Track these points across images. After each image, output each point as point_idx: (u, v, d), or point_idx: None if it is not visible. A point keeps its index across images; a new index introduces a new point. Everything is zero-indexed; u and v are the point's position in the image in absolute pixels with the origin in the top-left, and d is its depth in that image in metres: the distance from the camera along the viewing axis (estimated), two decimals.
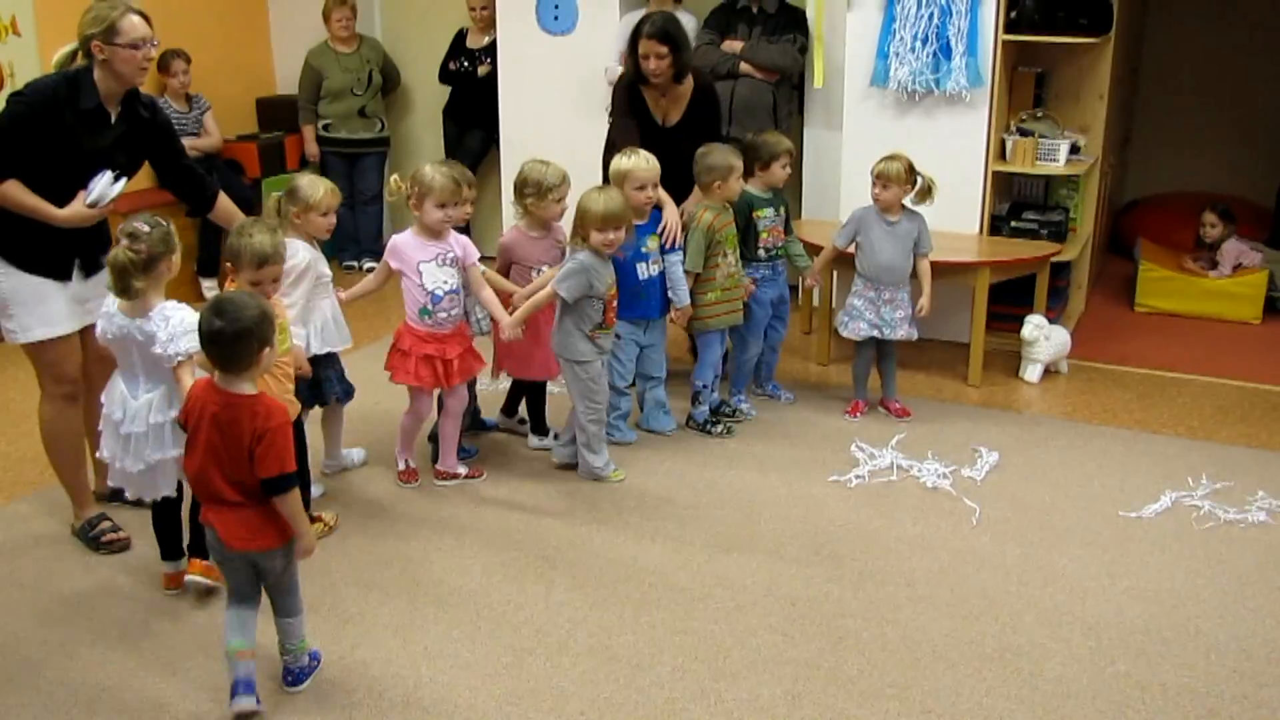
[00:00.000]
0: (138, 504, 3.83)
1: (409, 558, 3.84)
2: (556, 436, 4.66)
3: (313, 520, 3.78)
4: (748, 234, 4.90)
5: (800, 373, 5.45)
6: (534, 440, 4.75)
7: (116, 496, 3.95)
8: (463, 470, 4.42)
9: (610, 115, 5.07)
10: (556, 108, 6.85)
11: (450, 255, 4.19)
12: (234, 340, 2.83)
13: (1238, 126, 8.24)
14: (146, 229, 3.26)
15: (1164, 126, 8.40)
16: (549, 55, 6.84)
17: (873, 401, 5.13)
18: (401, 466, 4.43)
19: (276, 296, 3.51)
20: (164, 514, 3.62)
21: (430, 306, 4.16)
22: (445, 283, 4.17)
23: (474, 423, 4.81)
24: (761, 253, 4.95)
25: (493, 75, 7.06)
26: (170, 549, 3.64)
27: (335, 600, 3.59)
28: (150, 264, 3.25)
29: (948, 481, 4.40)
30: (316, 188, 3.92)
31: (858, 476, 4.44)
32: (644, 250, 4.58)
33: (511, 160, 6.76)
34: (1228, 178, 8.14)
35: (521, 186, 4.40)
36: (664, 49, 4.69)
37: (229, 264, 3.45)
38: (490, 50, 7.12)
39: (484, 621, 3.48)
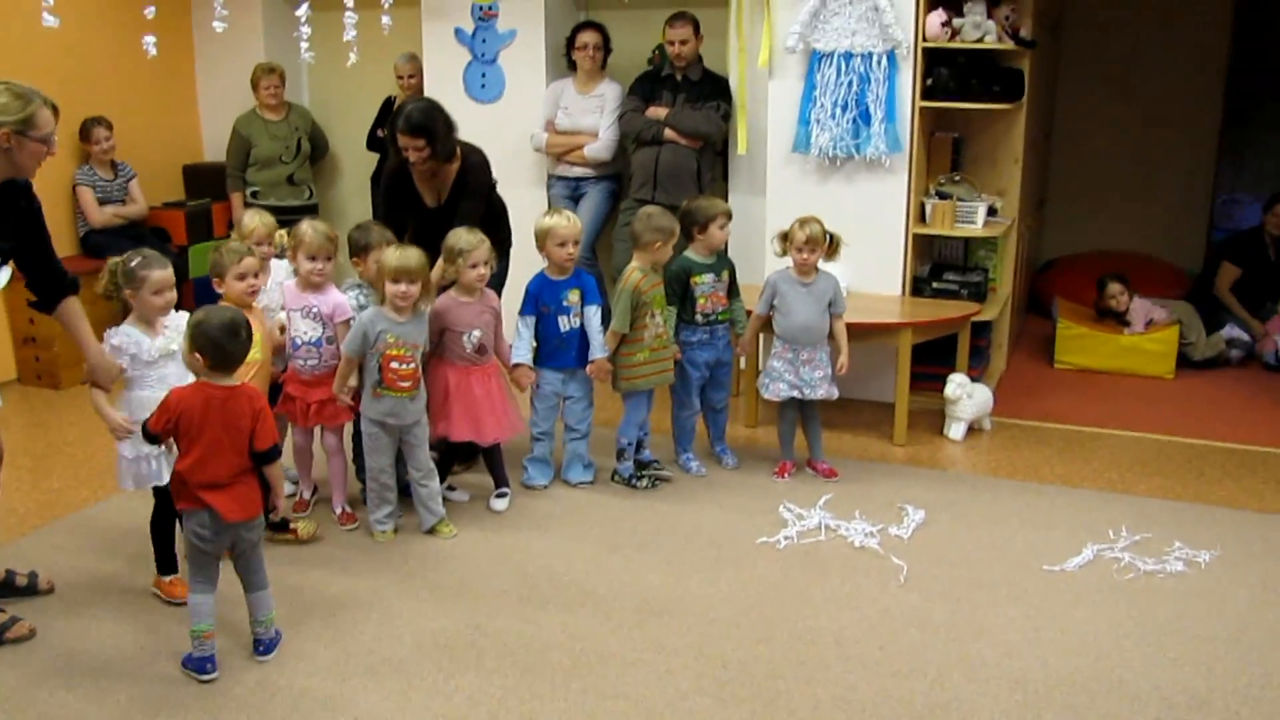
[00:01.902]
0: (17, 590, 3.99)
1: (339, 628, 3.78)
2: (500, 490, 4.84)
3: (288, 530, 4.40)
4: (685, 299, 4.95)
5: (728, 435, 5.46)
6: (496, 504, 4.74)
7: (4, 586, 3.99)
8: (337, 510, 4.61)
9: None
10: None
11: (315, 310, 4.39)
12: (239, 342, 3.42)
13: (1144, 188, 8.48)
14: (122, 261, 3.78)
15: (1077, 189, 8.62)
16: (476, 123, 6.84)
17: (800, 462, 5.16)
18: (337, 510, 4.62)
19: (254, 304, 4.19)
20: (160, 527, 3.97)
21: (291, 351, 4.41)
22: (305, 333, 4.39)
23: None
24: (699, 318, 4.99)
25: None
26: (167, 563, 3.99)
27: (263, 674, 3.53)
28: (115, 293, 3.79)
29: (875, 540, 4.42)
30: (153, 266, 3.77)
31: (786, 537, 4.44)
32: (565, 303, 4.74)
33: None
34: (1136, 236, 8.38)
35: (448, 252, 4.49)
36: (420, 141, 4.67)
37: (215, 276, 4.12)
38: None
39: (415, 692, 3.43)
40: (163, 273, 3.74)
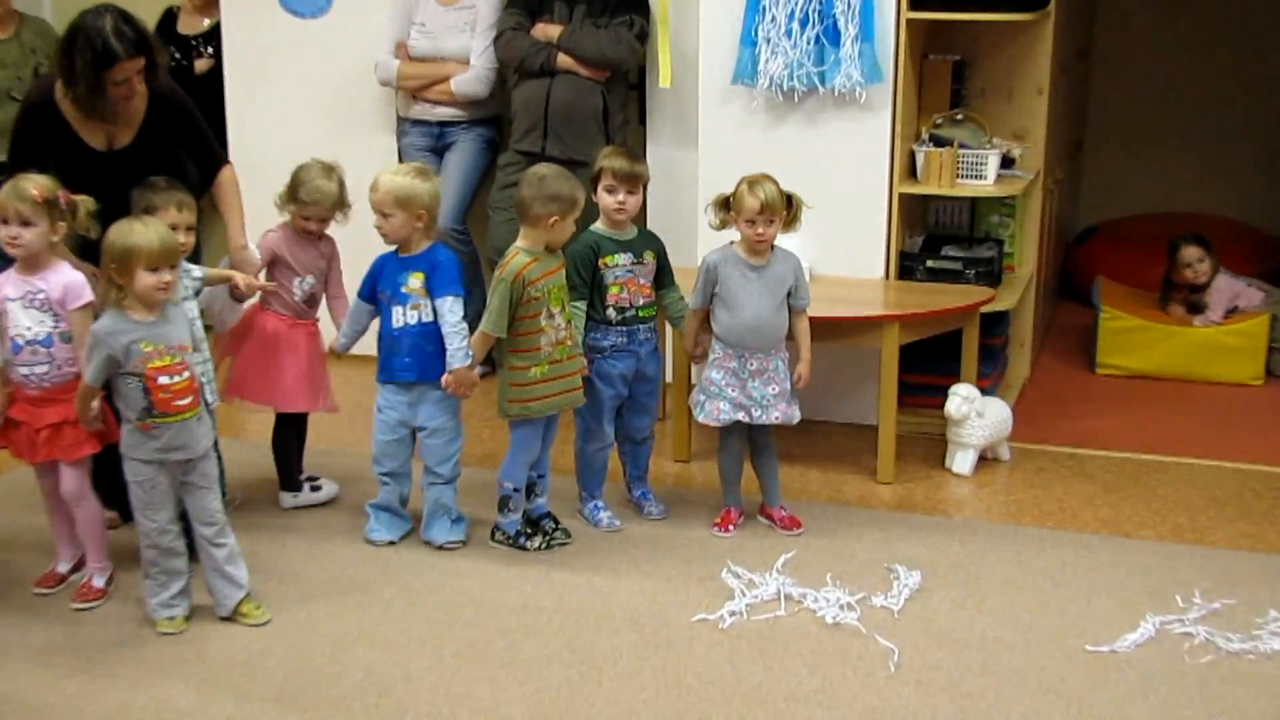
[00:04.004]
0: None
1: None
2: (317, 488, 5.34)
3: None
4: (594, 289, 4.96)
5: (654, 471, 5.45)
6: (286, 499, 5.32)
7: None
8: (99, 583, 4.61)
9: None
10: (306, 115, 6.89)
11: (40, 296, 4.41)
12: None
13: (1218, 126, 8.54)
14: None
15: (1126, 129, 8.68)
16: (295, 45, 6.84)
17: (750, 509, 5.17)
18: (99, 584, 4.61)
19: None
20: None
21: (10, 356, 4.43)
22: (29, 330, 4.41)
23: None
24: (611, 314, 4.99)
25: (216, 72, 7.05)
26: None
27: None
28: None
29: (854, 615, 4.42)
30: None
31: (732, 613, 4.43)
32: (403, 290, 4.81)
33: (246, 178, 6.70)
34: (1208, 193, 8.43)
35: (293, 187, 5.06)
36: (140, 62, 4.67)
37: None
38: (212, 37, 7.12)
39: None
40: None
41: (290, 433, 5.32)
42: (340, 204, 5.10)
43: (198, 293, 4.82)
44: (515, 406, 4.84)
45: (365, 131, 6.81)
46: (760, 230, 4.85)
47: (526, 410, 4.84)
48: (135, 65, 4.68)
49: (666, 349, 5.56)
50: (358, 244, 5.11)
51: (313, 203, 5.04)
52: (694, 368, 5.58)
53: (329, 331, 5.19)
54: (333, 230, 5.18)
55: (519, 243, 4.81)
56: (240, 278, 4.96)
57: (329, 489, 5.37)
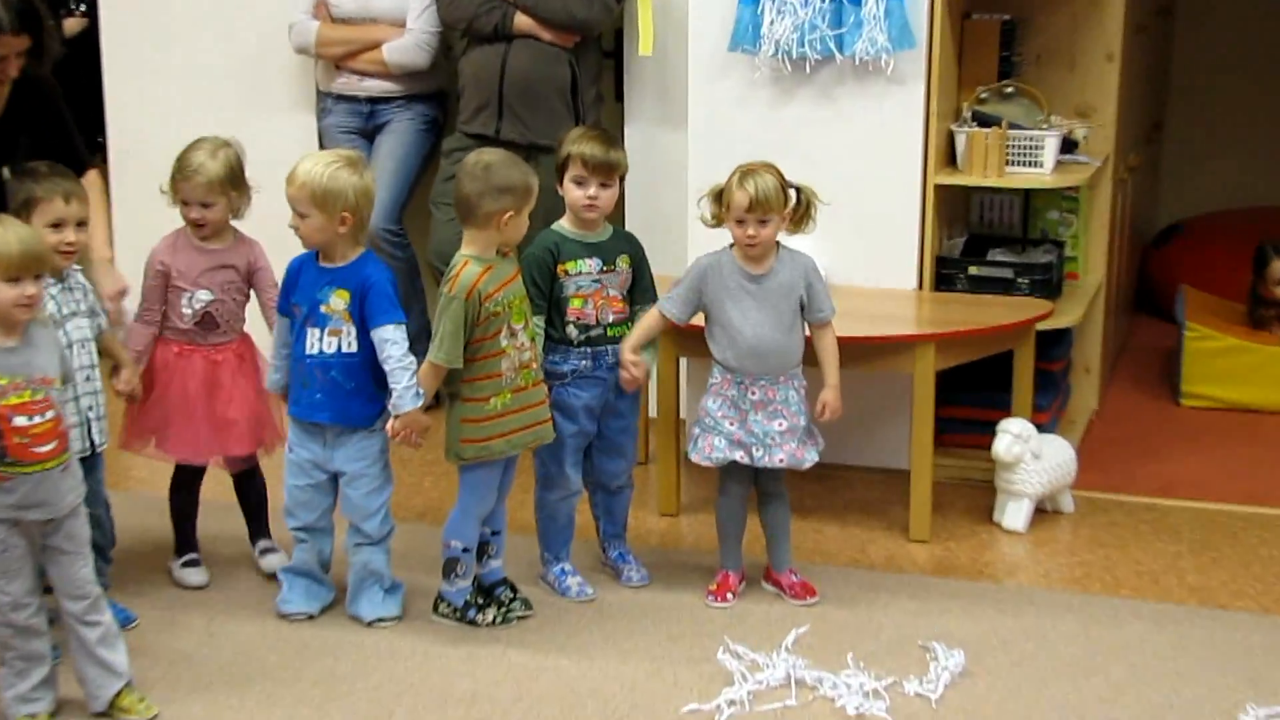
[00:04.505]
0: None
1: None
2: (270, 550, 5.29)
3: None
4: (551, 303, 4.96)
5: (634, 527, 5.48)
6: (269, 560, 5.28)
7: None
8: None
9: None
10: (203, 90, 6.91)
11: None
12: None
13: None
14: None
15: (1218, 106, 8.67)
16: (190, 8, 6.84)
17: (753, 573, 5.17)
18: None
19: None
20: None
21: None
22: None
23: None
24: (573, 333, 4.98)
25: (90, 34, 7.10)
26: None
27: None
28: None
29: (882, 704, 4.38)
30: None
31: (731, 702, 4.40)
32: (322, 309, 4.76)
33: (129, 169, 6.87)
34: None
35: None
36: (24, 41, 4.74)
37: None
38: None
39: None
40: None
41: (184, 489, 5.30)
42: (227, 186, 5.00)
43: (94, 311, 4.79)
44: (472, 447, 4.80)
45: (277, 111, 6.83)
46: (751, 232, 4.82)
47: (486, 451, 4.79)
48: (18, 44, 4.69)
49: (655, 375, 5.52)
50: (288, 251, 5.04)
51: (184, 179, 4.97)
52: (684, 399, 5.61)
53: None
54: (256, 234, 5.15)
55: (465, 249, 4.77)
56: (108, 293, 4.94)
57: (271, 561, 5.30)
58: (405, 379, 4.71)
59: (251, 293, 5.14)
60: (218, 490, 5.36)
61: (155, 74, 6.96)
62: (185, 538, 5.29)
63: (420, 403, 4.74)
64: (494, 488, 4.92)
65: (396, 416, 4.74)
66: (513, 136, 6.11)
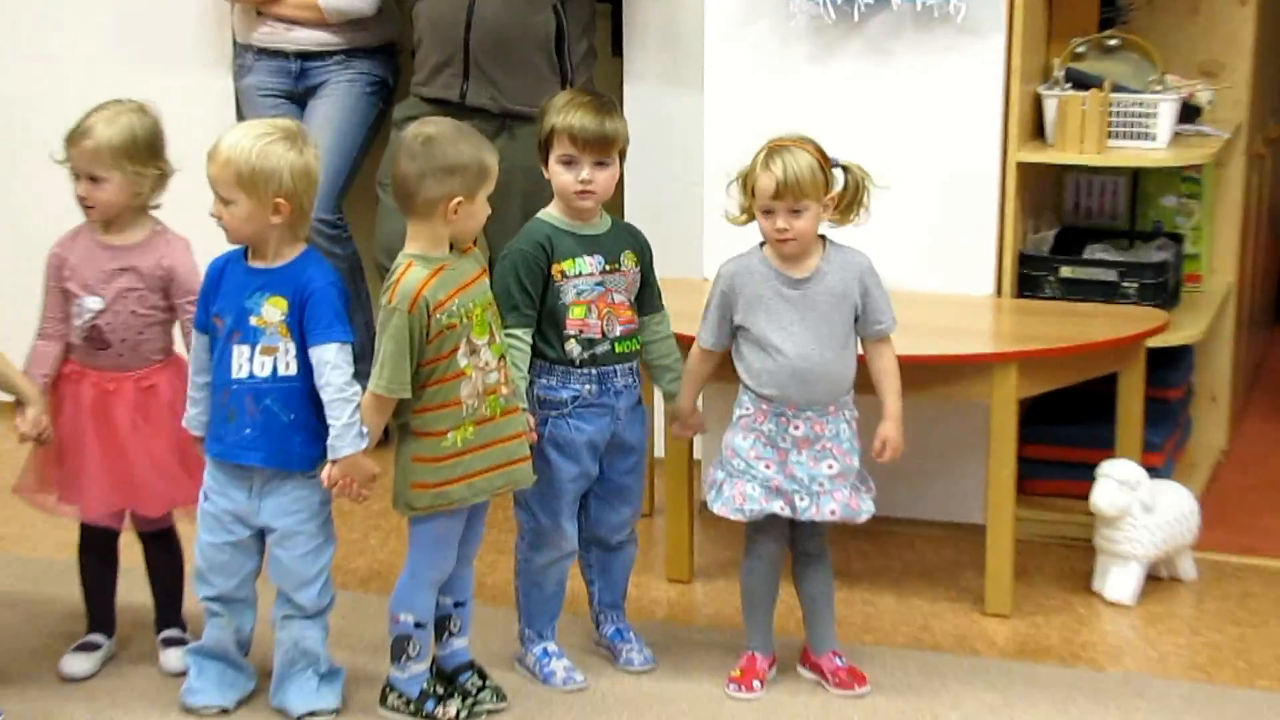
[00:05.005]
0: None
1: None
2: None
3: None
4: (545, 312, 4.91)
5: (636, 597, 5.48)
6: (168, 657, 5.16)
7: None
8: None
9: None
10: (92, 46, 6.92)
11: None
12: None
13: None
14: None
15: None
16: None
17: (787, 655, 5.13)
18: None
19: None
20: None
21: None
22: None
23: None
24: (574, 348, 4.93)
25: None
26: None
27: None
28: None
29: None
30: None
31: None
32: (252, 320, 4.70)
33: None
34: None
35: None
36: None
37: None
38: None
39: None
40: None
41: (92, 552, 5.22)
42: (122, 159, 4.91)
43: None
44: (426, 494, 4.74)
45: (182, 69, 6.83)
46: (781, 225, 4.79)
47: (443, 499, 4.74)
48: None
49: (656, 402, 5.52)
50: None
51: (71, 143, 4.93)
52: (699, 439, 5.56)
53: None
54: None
55: (409, 247, 4.72)
56: None
57: (171, 661, 5.20)
58: (346, 414, 4.65)
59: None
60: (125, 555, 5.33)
61: (33, 26, 6.99)
62: (92, 614, 5.24)
63: (365, 444, 4.68)
64: (453, 545, 4.87)
65: (334, 461, 4.67)
66: (482, 102, 6.10)
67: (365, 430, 4.65)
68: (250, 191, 4.58)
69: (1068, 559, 5.81)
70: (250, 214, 4.61)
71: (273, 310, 4.66)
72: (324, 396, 4.65)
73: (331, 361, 4.63)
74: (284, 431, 4.70)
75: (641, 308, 5.04)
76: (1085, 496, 5.53)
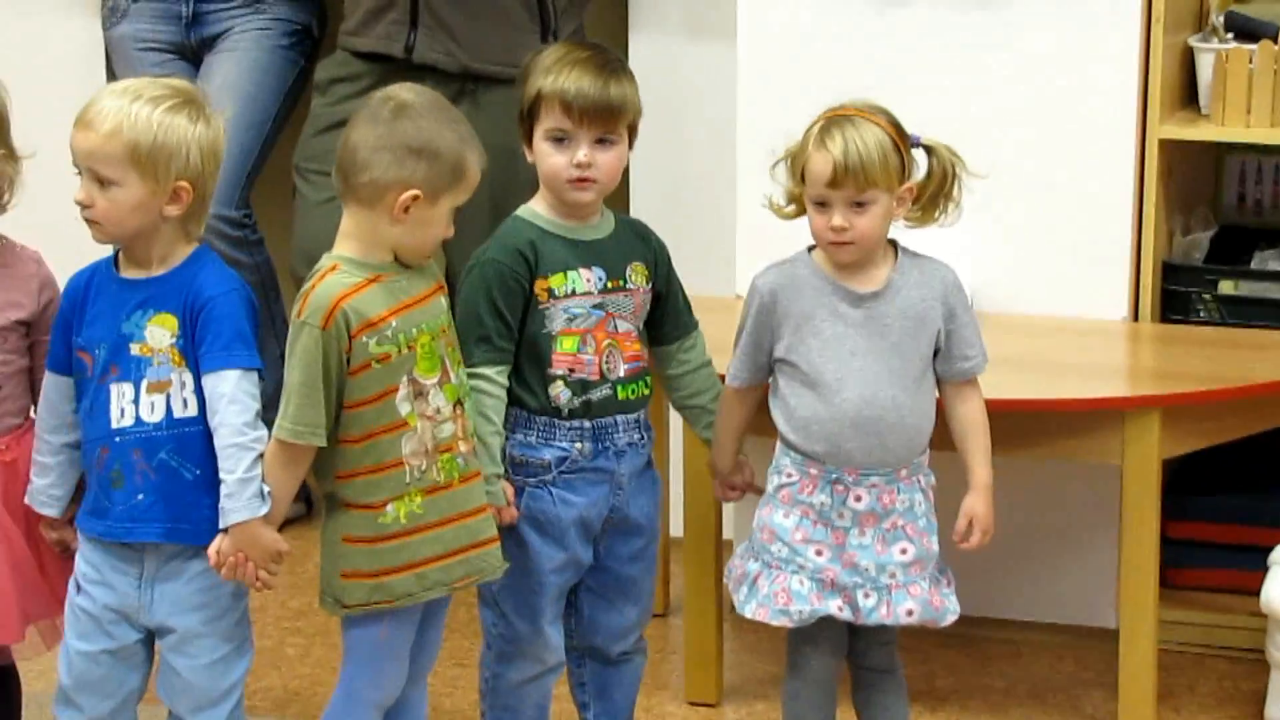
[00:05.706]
0: None
1: None
2: None
3: None
4: (526, 345, 4.91)
5: None
6: None
7: None
8: None
9: None
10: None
11: None
12: None
13: None
14: None
15: None
16: None
17: None
18: None
19: None
20: None
21: None
22: None
23: None
24: (561, 393, 4.93)
25: None
26: None
27: None
28: None
29: None
30: None
31: None
32: (132, 348, 4.65)
33: None
34: None
35: None
36: None
37: None
38: None
39: None
40: None
41: None
42: None
43: None
44: (360, 588, 4.72)
45: (38, 15, 6.89)
46: (838, 222, 4.75)
47: (383, 594, 4.72)
48: None
49: (670, 464, 5.45)
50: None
51: None
52: (731, 507, 5.54)
53: None
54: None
55: (338, 247, 4.69)
56: None
57: None
58: (243, 466, 4.59)
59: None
60: None
61: None
62: None
63: (265, 509, 4.63)
64: (400, 657, 4.85)
65: (225, 531, 4.61)
66: (434, 58, 6.14)
67: (267, 490, 4.60)
68: (146, 171, 4.50)
69: (1229, 675, 5.81)
70: (140, 201, 4.54)
71: (160, 332, 4.57)
72: (217, 441, 4.56)
73: (228, 394, 4.55)
74: (187, 493, 4.61)
75: (664, 333, 5.04)
76: (1252, 592, 5.50)
